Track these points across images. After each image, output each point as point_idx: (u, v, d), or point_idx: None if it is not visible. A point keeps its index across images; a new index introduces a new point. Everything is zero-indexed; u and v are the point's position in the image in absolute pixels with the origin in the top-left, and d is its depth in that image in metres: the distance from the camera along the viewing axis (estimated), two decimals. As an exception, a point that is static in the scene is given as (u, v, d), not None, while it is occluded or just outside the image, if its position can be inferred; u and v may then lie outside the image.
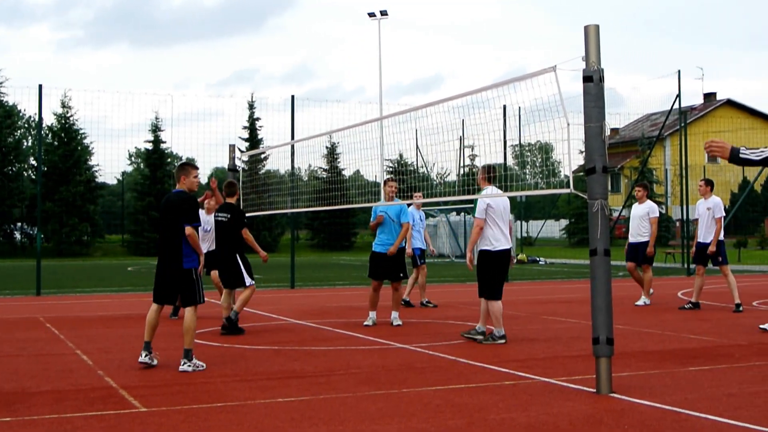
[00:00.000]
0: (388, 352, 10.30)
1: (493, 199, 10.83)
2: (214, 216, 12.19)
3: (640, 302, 16.05)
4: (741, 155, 5.88)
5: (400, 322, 12.95)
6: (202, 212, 13.87)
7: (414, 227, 16.63)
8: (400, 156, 60.07)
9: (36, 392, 7.68)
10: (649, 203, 16.15)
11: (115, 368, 8.99)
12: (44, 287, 19.99)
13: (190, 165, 9.45)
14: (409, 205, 16.95)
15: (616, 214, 39.10)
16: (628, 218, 16.70)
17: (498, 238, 10.83)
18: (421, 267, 16.51)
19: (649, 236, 15.89)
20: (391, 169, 59.39)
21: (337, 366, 9.19)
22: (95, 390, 7.77)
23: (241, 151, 46.93)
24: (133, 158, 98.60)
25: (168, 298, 9.20)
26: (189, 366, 8.84)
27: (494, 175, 11.05)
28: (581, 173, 8.29)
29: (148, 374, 8.76)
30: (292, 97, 22.90)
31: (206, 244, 13.91)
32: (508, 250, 10.89)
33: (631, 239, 16.19)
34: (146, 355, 9.02)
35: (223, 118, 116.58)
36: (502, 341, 10.79)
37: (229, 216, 12.02)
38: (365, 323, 12.94)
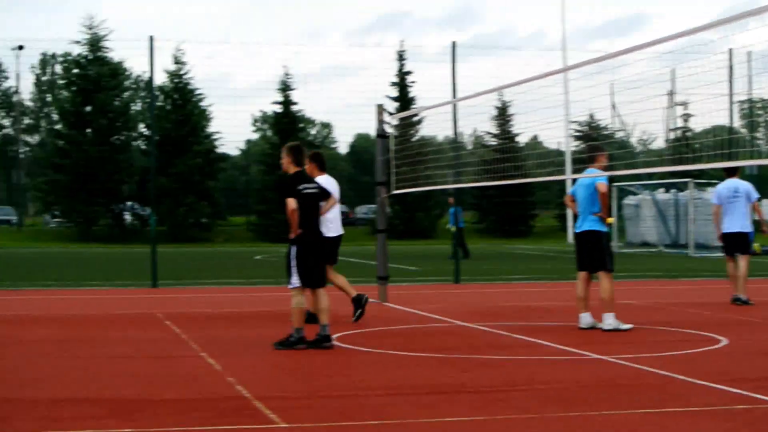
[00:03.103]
0: (582, 365, 10.23)
1: None
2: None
3: None
4: None
5: (612, 326, 12.74)
6: None
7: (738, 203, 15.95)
8: (591, 117, 59.43)
9: (158, 400, 8.05)
10: None
11: (247, 375, 9.29)
12: (161, 278, 20.79)
13: None
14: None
15: None
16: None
17: None
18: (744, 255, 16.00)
19: None
20: (579, 133, 58.75)
21: (518, 380, 9.20)
22: (226, 400, 8.06)
23: (390, 114, 47.42)
24: (258, 124, 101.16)
25: None
26: None
27: None
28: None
29: (285, 384, 9.03)
30: (453, 44, 22.77)
31: None
32: None
33: None
34: None
35: (367, 74, 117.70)
36: None
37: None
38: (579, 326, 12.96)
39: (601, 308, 12.77)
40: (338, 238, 13.73)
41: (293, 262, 11.23)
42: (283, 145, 11.95)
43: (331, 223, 13.26)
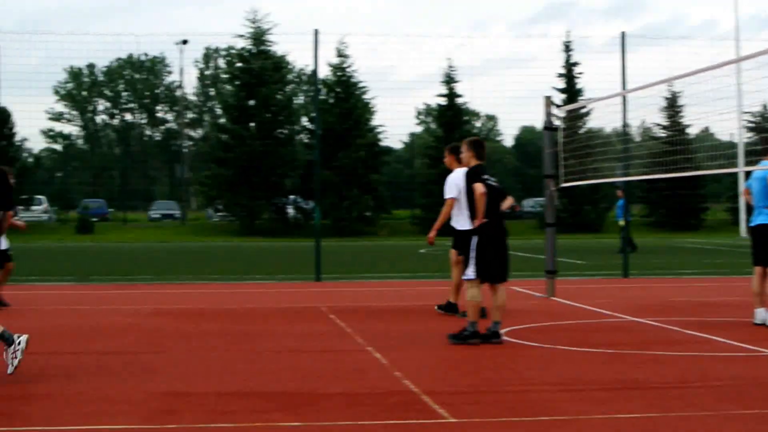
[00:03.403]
0: (759, 361, 10.02)
1: None
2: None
3: None
4: None
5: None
6: None
7: None
8: (765, 108, 57.72)
9: (325, 394, 8.18)
10: None
11: (414, 369, 9.37)
12: (324, 272, 21.14)
13: None
14: None
15: None
16: None
17: None
18: None
19: None
20: (752, 124, 57.16)
21: (692, 376, 9.05)
22: (393, 394, 8.15)
23: (557, 106, 47.06)
24: (422, 117, 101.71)
25: None
26: None
27: None
28: None
29: (453, 379, 9.06)
30: (623, 34, 22.42)
31: None
32: None
33: None
34: None
35: (533, 65, 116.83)
36: None
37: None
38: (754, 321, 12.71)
39: (763, 302, 12.48)
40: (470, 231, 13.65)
41: (472, 253, 11.24)
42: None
43: (462, 216, 13.09)
